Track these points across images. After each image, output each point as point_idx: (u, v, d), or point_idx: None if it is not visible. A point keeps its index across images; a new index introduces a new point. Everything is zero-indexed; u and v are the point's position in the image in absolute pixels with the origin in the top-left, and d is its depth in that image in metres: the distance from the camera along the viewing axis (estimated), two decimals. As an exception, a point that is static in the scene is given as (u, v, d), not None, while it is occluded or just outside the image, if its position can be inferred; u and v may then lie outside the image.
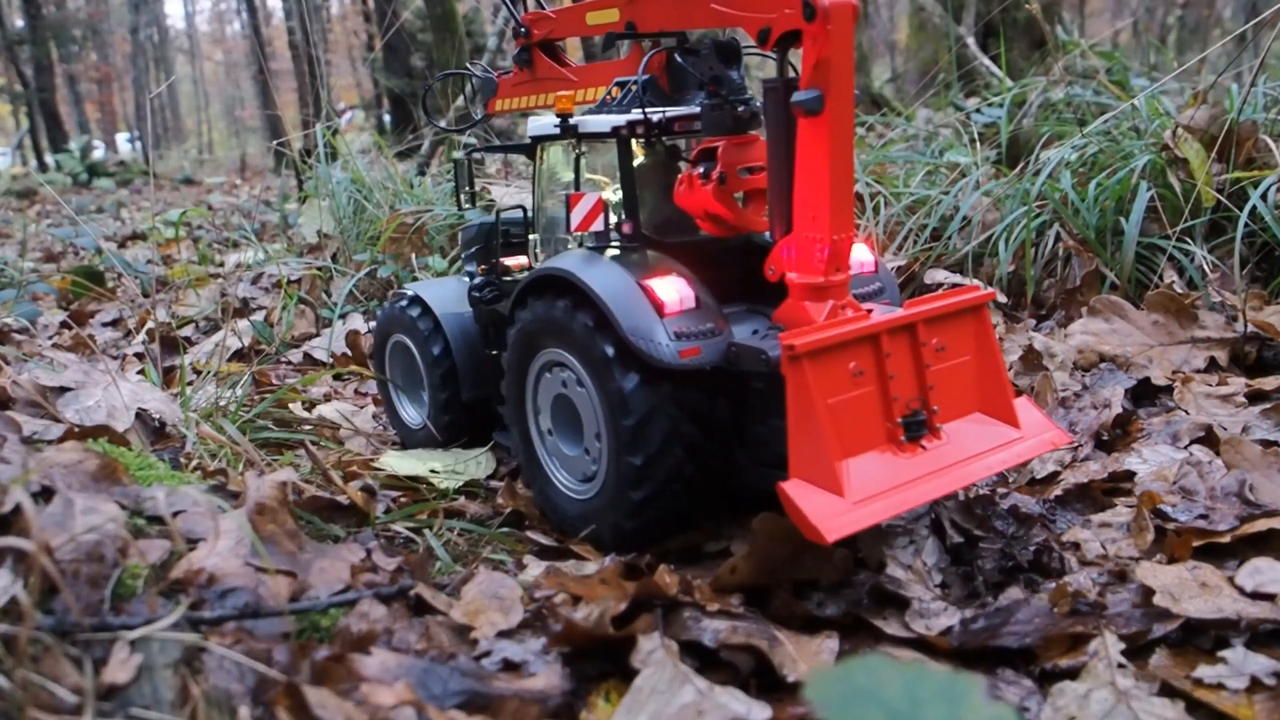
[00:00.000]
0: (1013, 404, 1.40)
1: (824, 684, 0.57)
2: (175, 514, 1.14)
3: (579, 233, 1.56)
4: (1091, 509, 1.49)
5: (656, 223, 1.61)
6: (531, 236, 1.81)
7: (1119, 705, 0.99)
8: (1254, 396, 1.81)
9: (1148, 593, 1.15)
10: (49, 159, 14.42)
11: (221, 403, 1.89)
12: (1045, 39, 4.60)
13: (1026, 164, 2.79)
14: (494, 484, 1.79)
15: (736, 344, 1.39)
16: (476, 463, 1.85)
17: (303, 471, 1.67)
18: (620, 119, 1.51)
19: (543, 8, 1.82)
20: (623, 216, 1.57)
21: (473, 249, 1.97)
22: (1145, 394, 1.92)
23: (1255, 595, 1.13)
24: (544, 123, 1.66)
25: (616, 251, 1.54)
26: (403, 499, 1.70)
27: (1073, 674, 1.05)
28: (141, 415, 1.63)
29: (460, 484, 1.76)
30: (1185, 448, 1.60)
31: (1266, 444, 1.55)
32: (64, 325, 3.08)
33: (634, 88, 1.55)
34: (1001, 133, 3.31)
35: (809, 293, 1.37)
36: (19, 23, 16.01)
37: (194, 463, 1.56)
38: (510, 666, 1.03)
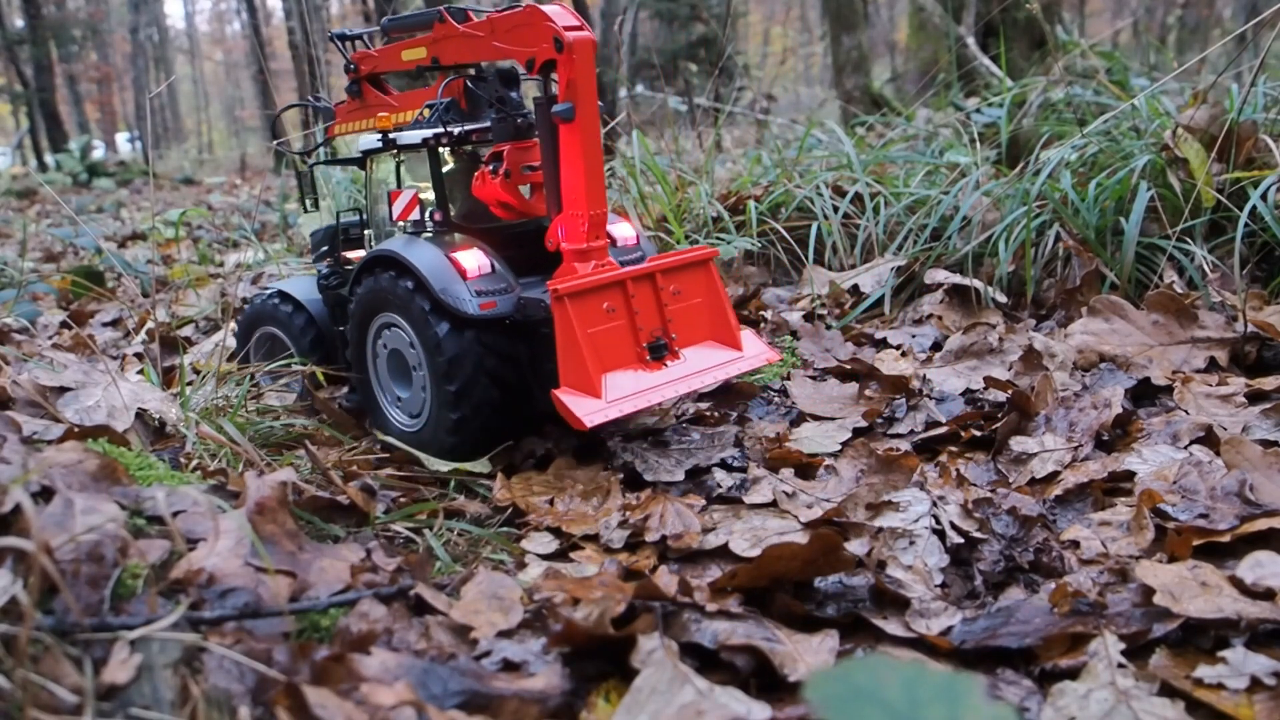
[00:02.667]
0: (737, 334, 1.86)
1: (824, 684, 0.57)
2: (175, 514, 1.14)
3: (400, 222, 1.97)
4: (1091, 509, 1.49)
5: (463, 213, 1.98)
6: (366, 232, 2.18)
7: (1119, 705, 0.98)
8: (1254, 396, 1.81)
9: (1148, 592, 1.15)
10: (49, 159, 14.44)
11: (220, 403, 1.89)
12: (1045, 39, 4.60)
13: (1026, 164, 2.79)
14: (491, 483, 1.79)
15: (524, 297, 1.78)
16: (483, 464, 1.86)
17: (303, 471, 1.68)
18: (429, 132, 1.88)
19: (369, 48, 2.18)
20: (434, 208, 1.93)
21: (322, 248, 2.31)
22: (1145, 394, 1.92)
23: (1256, 589, 1.13)
24: (370, 139, 2.03)
25: (430, 235, 1.92)
26: (402, 499, 1.70)
27: (1073, 674, 1.05)
28: (141, 415, 1.63)
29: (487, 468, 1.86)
30: (1185, 448, 1.60)
31: (1266, 444, 1.54)
32: (64, 325, 3.07)
33: (439, 108, 1.94)
34: (1001, 133, 3.31)
35: (576, 256, 1.76)
36: (19, 23, 16.02)
37: (194, 463, 1.56)
38: (510, 666, 1.03)
